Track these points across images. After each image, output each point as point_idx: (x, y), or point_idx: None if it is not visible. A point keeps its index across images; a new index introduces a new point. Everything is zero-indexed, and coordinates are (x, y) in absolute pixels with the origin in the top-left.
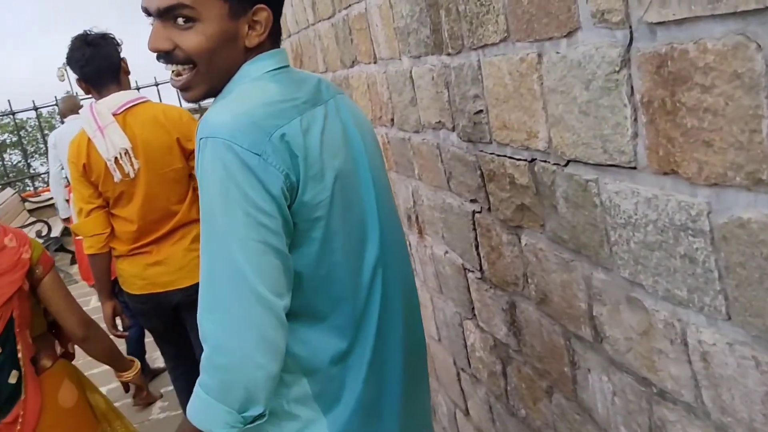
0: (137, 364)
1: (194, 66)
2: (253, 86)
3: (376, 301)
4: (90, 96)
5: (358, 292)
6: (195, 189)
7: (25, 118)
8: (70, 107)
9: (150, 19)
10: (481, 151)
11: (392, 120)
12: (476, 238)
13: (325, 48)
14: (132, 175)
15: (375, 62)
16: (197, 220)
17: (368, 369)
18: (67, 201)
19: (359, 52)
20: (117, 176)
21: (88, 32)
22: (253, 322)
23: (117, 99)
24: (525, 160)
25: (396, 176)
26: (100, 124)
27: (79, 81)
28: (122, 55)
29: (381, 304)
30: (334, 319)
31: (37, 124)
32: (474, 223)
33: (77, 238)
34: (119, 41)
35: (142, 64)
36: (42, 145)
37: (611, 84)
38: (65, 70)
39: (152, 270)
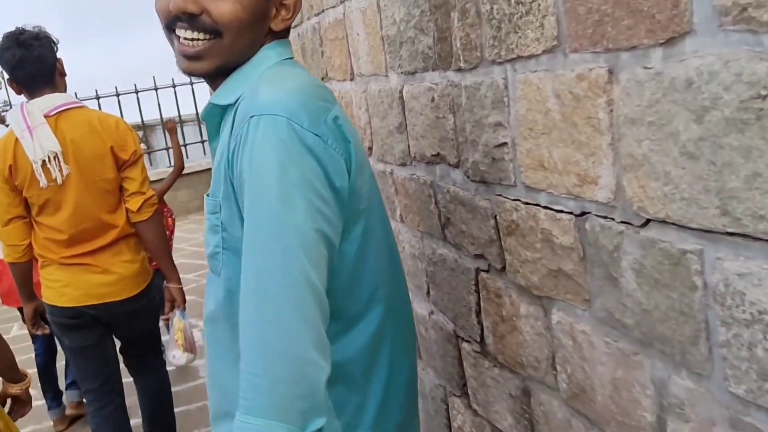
0: (30, 378)
1: (216, 36)
2: (283, 70)
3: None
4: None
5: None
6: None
7: None
8: None
9: None
10: (500, 195)
11: (370, 149)
12: (478, 303)
13: None
14: (59, 181)
15: (351, 79)
16: (133, 235)
17: (384, 390)
18: None
19: (331, 67)
20: (43, 182)
21: (21, 30)
22: (309, 322)
23: (50, 101)
24: (570, 212)
25: None
26: (30, 125)
27: (10, 81)
28: (58, 55)
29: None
30: (367, 324)
31: None
32: (477, 284)
33: None
34: (55, 40)
35: (85, 76)
36: None
37: (750, 115)
38: (2, 78)
39: (90, 279)
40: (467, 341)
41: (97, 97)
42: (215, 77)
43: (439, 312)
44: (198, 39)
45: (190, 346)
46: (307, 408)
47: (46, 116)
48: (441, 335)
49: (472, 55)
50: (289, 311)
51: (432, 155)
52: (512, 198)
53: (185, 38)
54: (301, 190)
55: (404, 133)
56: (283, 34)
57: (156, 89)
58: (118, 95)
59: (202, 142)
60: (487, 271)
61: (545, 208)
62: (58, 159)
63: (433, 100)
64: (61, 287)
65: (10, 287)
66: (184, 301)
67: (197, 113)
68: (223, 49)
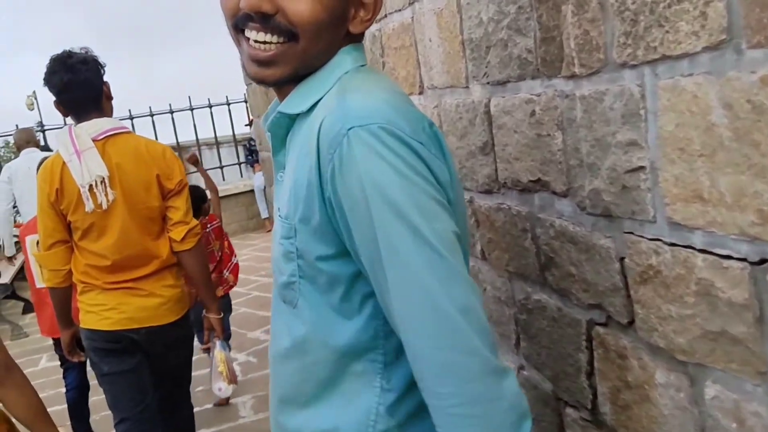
0: None
1: (291, 40)
2: (365, 76)
3: None
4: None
5: None
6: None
7: None
8: (26, 139)
9: None
10: (630, 233)
11: None
12: (591, 362)
13: None
14: (105, 206)
15: (421, 92)
16: (175, 265)
17: None
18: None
19: (395, 80)
20: (89, 206)
21: (69, 53)
22: (483, 327)
23: (98, 125)
24: (743, 259)
25: None
26: (78, 149)
27: (57, 104)
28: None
29: None
30: None
31: None
32: (589, 340)
33: (38, 286)
34: (102, 64)
35: (117, 96)
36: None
37: None
38: (34, 98)
39: (134, 302)
40: (573, 406)
41: (131, 117)
42: (286, 84)
43: (533, 368)
44: (271, 42)
45: (232, 377)
46: (515, 417)
47: (93, 140)
48: (534, 395)
49: (591, 58)
50: (466, 326)
51: (530, 181)
52: (650, 237)
53: (256, 41)
54: (429, 193)
55: (490, 154)
56: (359, 37)
57: (192, 109)
58: (152, 115)
59: (239, 163)
60: (605, 325)
61: (703, 252)
62: (105, 184)
63: (532, 114)
64: (103, 311)
65: (52, 317)
66: (223, 331)
67: (234, 134)
68: (298, 53)
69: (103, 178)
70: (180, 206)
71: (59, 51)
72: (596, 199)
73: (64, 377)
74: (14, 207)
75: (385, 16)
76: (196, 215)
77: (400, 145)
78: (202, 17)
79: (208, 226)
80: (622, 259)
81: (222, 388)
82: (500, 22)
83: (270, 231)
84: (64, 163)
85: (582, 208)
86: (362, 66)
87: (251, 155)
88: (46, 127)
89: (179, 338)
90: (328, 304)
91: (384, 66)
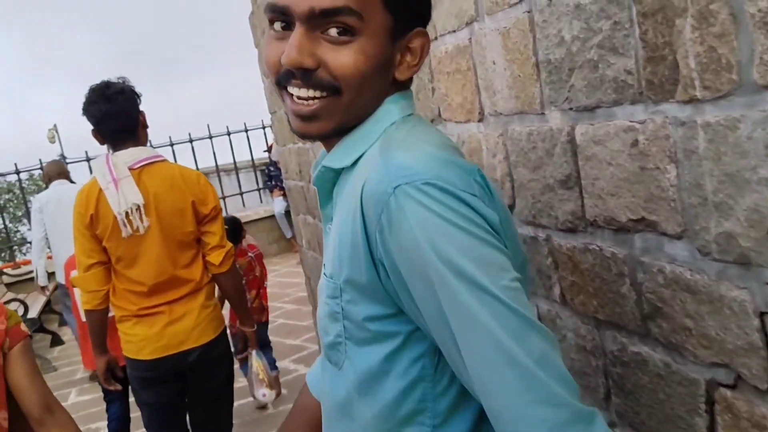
0: None
1: (334, 93)
2: (411, 127)
3: None
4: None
5: None
6: (203, 254)
7: (13, 181)
8: (57, 171)
9: (277, 25)
10: None
11: (511, 207)
12: (712, 429)
13: None
14: (142, 231)
15: (480, 120)
16: (209, 282)
17: None
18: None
19: (447, 107)
20: (126, 231)
21: (107, 84)
22: (562, 371)
23: (134, 154)
24: None
25: None
26: (115, 177)
27: (95, 133)
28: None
29: None
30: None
31: (22, 188)
32: (710, 403)
33: (84, 320)
34: (138, 93)
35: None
36: (27, 210)
37: None
38: (56, 132)
39: (169, 329)
40: None
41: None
42: (330, 138)
43: (628, 426)
44: (314, 97)
45: (272, 383)
46: None
47: (130, 169)
48: None
49: (719, 79)
50: (547, 377)
51: (630, 220)
52: None
53: (299, 97)
54: (485, 247)
55: (574, 188)
56: (406, 83)
57: (211, 138)
58: (172, 145)
59: (258, 189)
60: (733, 387)
61: None
62: (141, 211)
63: (634, 144)
64: (140, 341)
65: None
66: (257, 343)
67: (253, 160)
68: (342, 107)
69: (139, 206)
70: (216, 231)
71: (80, 85)
72: (727, 243)
73: (106, 409)
74: (45, 236)
75: (435, 38)
76: (235, 241)
77: (451, 198)
78: (220, 47)
79: (250, 253)
80: (762, 315)
81: (266, 393)
82: (588, 40)
83: (297, 251)
84: (100, 190)
85: (705, 253)
86: (409, 116)
87: (270, 180)
88: (68, 160)
89: (216, 358)
90: (374, 367)
91: (434, 92)
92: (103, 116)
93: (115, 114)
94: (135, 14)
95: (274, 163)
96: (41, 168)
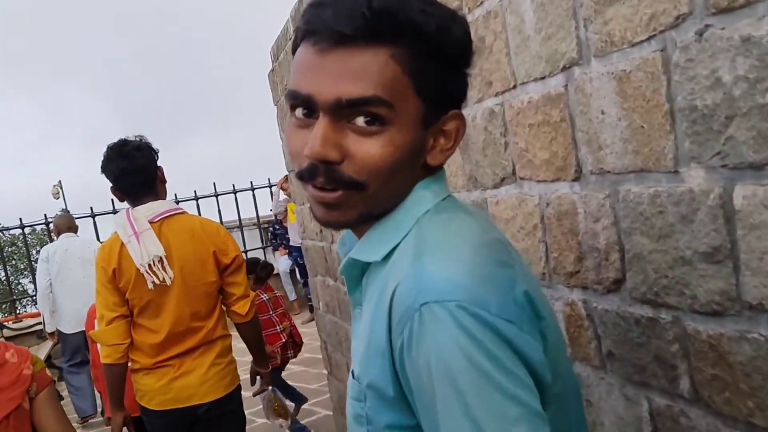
0: None
1: (361, 187)
2: (446, 220)
3: None
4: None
5: None
6: (223, 305)
7: (17, 234)
8: (67, 225)
9: (299, 111)
10: None
11: (618, 282)
12: None
13: None
14: (168, 281)
15: (576, 179)
16: (222, 337)
17: None
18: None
19: (526, 163)
20: (152, 280)
21: (124, 142)
22: None
23: (154, 207)
24: None
25: (606, 382)
26: (136, 230)
27: (114, 190)
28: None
29: None
30: None
31: (26, 242)
32: None
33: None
34: (155, 150)
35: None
36: (30, 263)
37: None
38: (60, 188)
39: (176, 383)
40: None
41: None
42: (355, 226)
43: None
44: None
45: (286, 413)
46: None
47: (150, 222)
48: None
49: None
50: None
51: None
52: None
53: (323, 188)
54: (507, 392)
55: (725, 263)
56: (437, 166)
57: (216, 195)
58: (177, 202)
59: (263, 248)
60: None
61: None
62: (163, 263)
63: None
64: (149, 391)
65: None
66: (271, 382)
67: (258, 219)
68: (367, 198)
69: (161, 257)
70: (241, 282)
71: (85, 142)
72: None
73: None
74: (50, 284)
75: (513, 87)
76: (263, 281)
77: (482, 328)
78: (227, 105)
79: (272, 312)
80: None
81: (283, 424)
82: (763, 81)
83: (299, 314)
84: (122, 244)
85: None
86: (444, 200)
87: (275, 239)
88: (73, 215)
89: (226, 414)
90: None
91: (507, 147)
92: (121, 173)
93: (133, 171)
94: (142, 77)
95: (279, 222)
96: (45, 223)
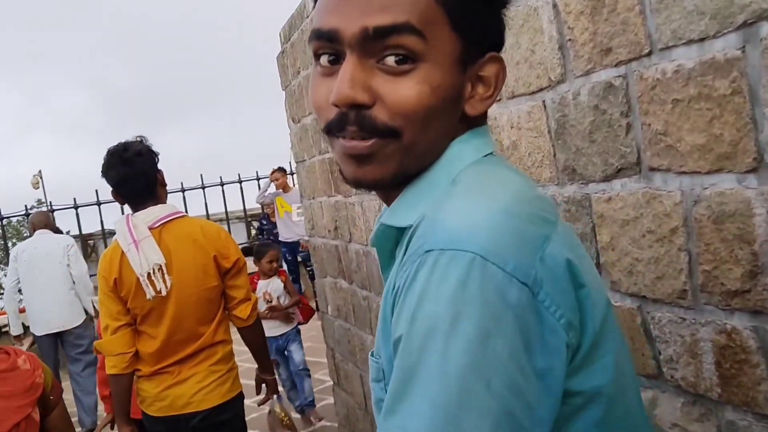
0: None
1: (395, 134)
2: (489, 173)
3: None
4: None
5: None
6: (225, 309)
7: None
8: (44, 222)
9: (324, 59)
10: None
11: None
12: None
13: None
14: (164, 292)
15: (754, 170)
16: (222, 341)
17: None
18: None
19: (663, 150)
20: (150, 293)
21: (125, 146)
22: None
23: (153, 213)
24: None
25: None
26: (136, 238)
27: (114, 194)
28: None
29: None
30: None
31: (4, 234)
32: None
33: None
34: (156, 152)
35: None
36: (7, 256)
37: None
38: (40, 177)
39: (172, 391)
40: None
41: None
42: (390, 187)
43: None
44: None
45: (292, 425)
46: None
47: (150, 228)
48: None
49: None
50: None
51: None
52: None
53: (340, 135)
54: (504, 371)
55: None
56: (479, 119)
57: (203, 188)
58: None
59: (250, 242)
60: None
61: None
62: (163, 270)
63: None
64: (148, 397)
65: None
66: (276, 390)
67: (245, 212)
68: (402, 149)
69: (161, 266)
70: (242, 285)
71: (67, 131)
72: None
73: None
74: (18, 283)
75: (649, 53)
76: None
77: (488, 286)
78: (215, 94)
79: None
80: None
81: None
82: None
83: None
84: (122, 252)
85: None
86: (486, 156)
87: (262, 234)
88: (54, 207)
89: (223, 423)
90: None
91: (629, 130)
92: (121, 179)
93: (134, 177)
94: (124, 63)
95: (267, 216)
96: (25, 214)
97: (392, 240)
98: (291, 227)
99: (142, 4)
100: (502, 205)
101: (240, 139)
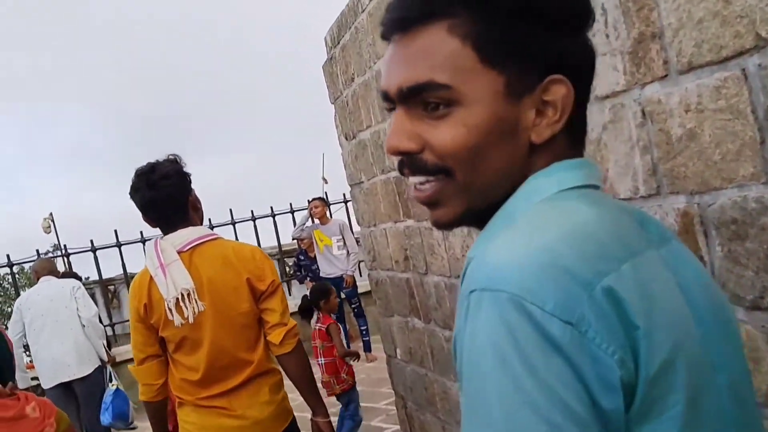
0: None
1: (448, 173)
2: (552, 208)
3: None
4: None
5: None
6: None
7: (2, 274)
8: (48, 268)
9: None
10: None
11: None
12: None
13: None
14: (191, 319)
15: None
16: (273, 369)
17: None
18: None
19: None
20: (177, 321)
21: (152, 168)
22: None
23: (183, 236)
24: None
25: None
26: (163, 262)
27: (143, 217)
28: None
29: None
30: None
31: (15, 282)
32: None
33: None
34: (187, 173)
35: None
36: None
37: None
38: (51, 221)
39: (224, 423)
40: None
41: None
42: (469, 225)
43: None
44: (427, 182)
45: None
46: None
47: (179, 252)
48: None
49: None
50: None
51: None
52: None
53: (416, 184)
54: (538, 409)
55: None
56: (564, 145)
57: (233, 223)
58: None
59: (287, 280)
60: None
61: None
62: (192, 296)
63: None
64: (198, 429)
65: None
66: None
67: (280, 246)
68: (460, 188)
69: (189, 291)
70: (275, 307)
71: (80, 166)
72: None
73: None
74: (23, 335)
75: None
76: (310, 311)
77: (526, 325)
78: (242, 125)
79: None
80: None
81: None
82: None
83: None
84: (151, 277)
85: None
86: (573, 189)
87: (300, 270)
88: (70, 251)
89: None
90: None
91: None
92: (147, 204)
93: (160, 201)
94: (139, 89)
95: (304, 251)
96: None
97: None
98: (333, 261)
99: (157, 31)
100: (545, 242)
101: (269, 170)
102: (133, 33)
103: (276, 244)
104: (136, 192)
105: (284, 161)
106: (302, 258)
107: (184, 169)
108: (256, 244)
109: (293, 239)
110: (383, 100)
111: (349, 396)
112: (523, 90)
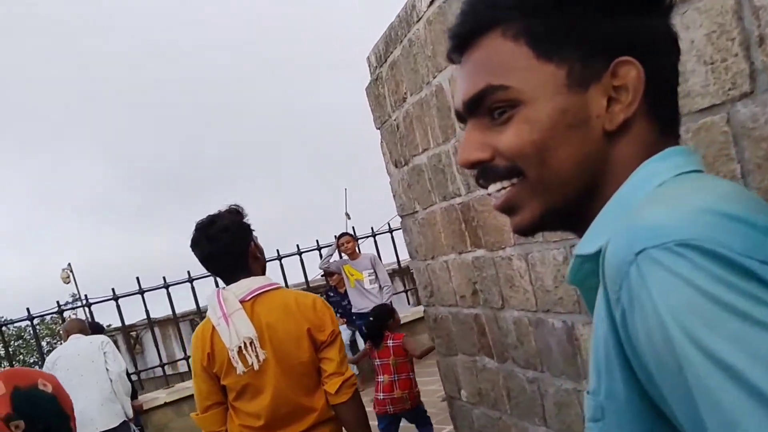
0: None
1: (520, 174)
2: (691, 180)
3: None
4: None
5: None
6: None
7: (23, 326)
8: (79, 328)
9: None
10: None
11: None
12: None
13: None
14: (256, 366)
15: None
16: (335, 418)
17: None
18: None
19: None
20: (240, 369)
21: (212, 220)
22: None
23: (245, 285)
24: None
25: None
26: (226, 312)
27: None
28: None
29: None
30: None
31: (36, 334)
32: None
33: None
34: (247, 225)
35: (162, 259)
36: (42, 356)
37: None
38: (70, 271)
39: None
40: None
41: (166, 286)
42: (553, 227)
43: None
44: (502, 188)
45: None
46: None
47: (242, 301)
48: None
49: None
50: None
51: None
52: None
53: (492, 191)
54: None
55: None
56: (649, 129)
57: (280, 259)
58: (191, 280)
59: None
60: None
61: None
62: (255, 344)
63: None
64: None
65: None
66: None
67: (307, 283)
68: (534, 187)
69: (252, 339)
70: (333, 357)
71: (95, 216)
72: None
73: None
74: None
75: None
76: (381, 332)
77: (721, 265)
78: (260, 160)
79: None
80: None
81: None
82: None
83: (364, 390)
84: (213, 327)
85: None
86: (689, 173)
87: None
88: (91, 301)
89: None
90: None
91: None
92: (206, 257)
93: (219, 255)
94: (151, 134)
95: (334, 288)
96: (58, 312)
97: (595, 275)
98: (366, 295)
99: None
100: (706, 201)
101: (290, 208)
102: (154, 93)
103: (303, 280)
104: (195, 245)
105: (303, 200)
106: (332, 294)
107: (245, 220)
108: (283, 283)
109: (320, 268)
110: (458, 120)
111: (416, 412)
112: (588, 78)
